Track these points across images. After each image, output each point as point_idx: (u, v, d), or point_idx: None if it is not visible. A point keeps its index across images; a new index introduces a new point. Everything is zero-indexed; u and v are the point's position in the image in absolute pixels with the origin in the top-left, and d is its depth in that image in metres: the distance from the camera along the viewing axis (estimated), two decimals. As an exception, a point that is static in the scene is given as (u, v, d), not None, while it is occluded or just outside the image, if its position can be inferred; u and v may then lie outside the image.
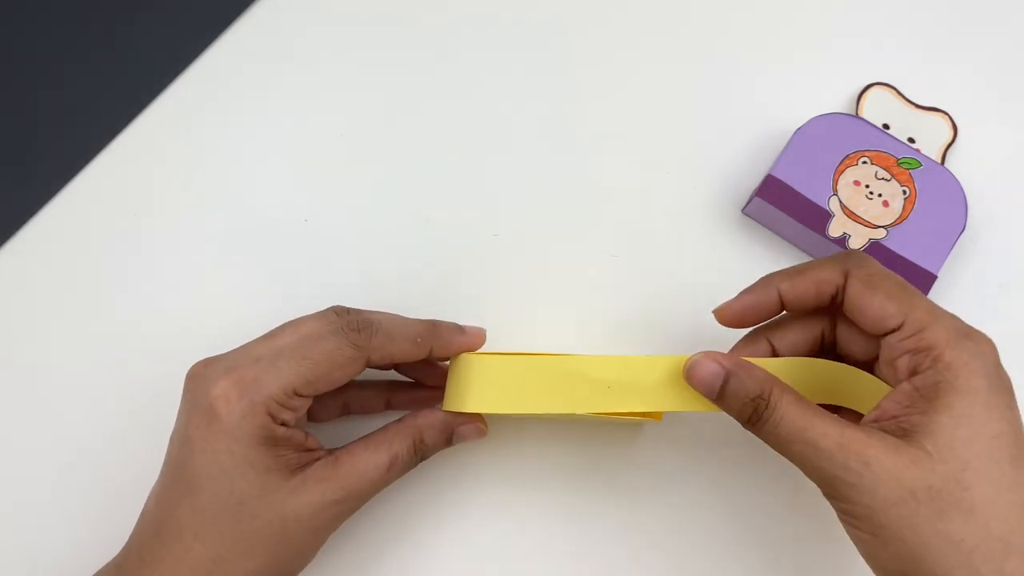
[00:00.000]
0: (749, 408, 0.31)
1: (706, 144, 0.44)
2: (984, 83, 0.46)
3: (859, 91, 0.45)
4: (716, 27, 0.47)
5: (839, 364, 0.34)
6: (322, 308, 0.34)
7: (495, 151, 0.44)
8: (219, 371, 0.31)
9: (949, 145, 0.44)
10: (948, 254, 0.40)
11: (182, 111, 0.44)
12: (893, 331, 0.31)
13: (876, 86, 0.45)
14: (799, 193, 0.40)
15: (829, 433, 0.29)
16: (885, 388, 0.32)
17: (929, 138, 0.44)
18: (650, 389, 0.33)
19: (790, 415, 0.30)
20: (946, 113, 0.45)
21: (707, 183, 0.44)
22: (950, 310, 0.42)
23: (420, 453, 0.35)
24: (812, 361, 0.33)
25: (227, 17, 0.45)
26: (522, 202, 0.43)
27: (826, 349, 0.35)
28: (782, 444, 0.30)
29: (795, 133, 0.41)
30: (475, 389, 0.34)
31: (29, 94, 0.45)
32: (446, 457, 0.38)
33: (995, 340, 0.41)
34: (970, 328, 0.31)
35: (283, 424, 0.32)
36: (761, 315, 0.35)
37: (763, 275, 0.35)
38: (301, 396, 0.32)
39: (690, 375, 0.32)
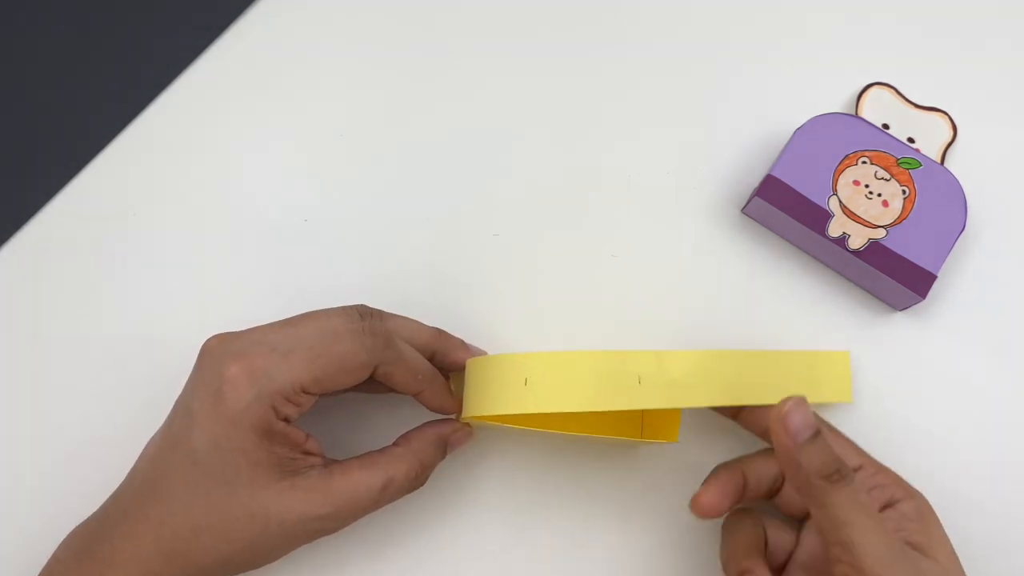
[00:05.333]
0: (835, 465, 0.31)
1: (706, 144, 0.45)
2: (984, 83, 0.46)
3: (859, 91, 0.45)
4: (716, 27, 0.47)
5: (795, 352, 0.34)
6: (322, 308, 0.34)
7: (495, 151, 0.44)
8: (233, 352, 0.31)
9: (949, 145, 0.44)
10: (948, 254, 0.40)
11: (182, 111, 0.44)
12: (856, 470, 0.34)
13: (876, 86, 0.45)
14: (799, 193, 0.40)
15: (885, 525, 0.31)
16: (843, 382, 0.35)
17: (929, 138, 0.44)
18: (681, 384, 0.33)
19: (863, 491, 0.32)
20: (946, 113, 0.45)
21: (707, 183, 0.44)
22: (949, 310, 0.42)
23: (420, 477, 0.35)
24: (765, 353, 0.34)
25: (227, 17, 0.45)
26: (522, 202, 0.43)
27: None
28: (855, 511, 0.31)
29: (795, 133, 0.42)
30: (511, 389, 0.33)
31: (29, 94, 0.45)
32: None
33: (994, 340, 0.42)
34: None
35: (285, 419, 0.32)
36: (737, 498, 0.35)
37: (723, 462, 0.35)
38: (308, 393, 0.32)
39: (788, 414, 0.32)
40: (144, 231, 0.42)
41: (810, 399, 0.33)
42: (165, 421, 0.33)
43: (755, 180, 0.43)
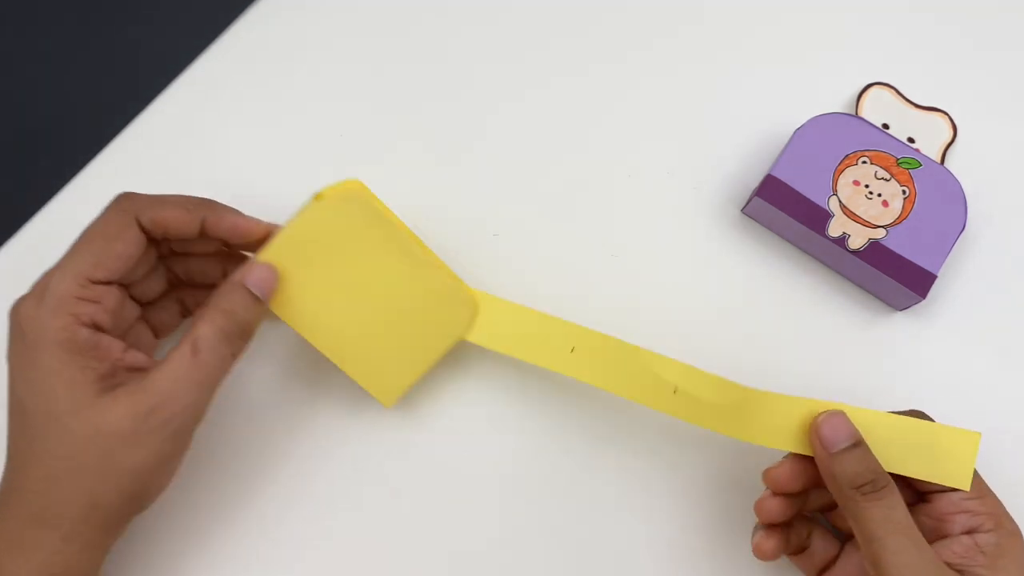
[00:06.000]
0: (868, 477, 0.32)
1: (706, 144, 0.45)
2: (984, 83, 0.46)
3: (859, 91, 0.45)
4: (716, 28, 0.47)
5: (920, 422, 0.34)
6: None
7: (494, 151, 0.44)
8: (23, 297, 0.32)
9: (949, 145, 0.44)
10: (948, 254, 0.40)
11: (182, 111, 0.44)
12: (955, 490, 0.33)
13: (876, 86, 0.45)
14: (799, 193, 0.40)
15: (927, 544, 0.31)
16: (965, 465, 0.33)
17: (929, 138, 0.44)
18: (714, 409, 0.35)
19: (903, 507, 0.32)
20: (945, 113, 0.45)
21: (707, 183, 0.44)
22: (949, 310, 0.42)
23: (235, 329, 0.32)
24: (887, 416, 0.34)
25: (227, 17, 0.45)
26: (522, 202, 0.43)
27: None
28: (887, 527, 0.31)
29: (795, 133, 0.42)
30: (559, 352, 0.37)
31: (29, 94, 0.45)
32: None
33: (994, 340, 0.42)
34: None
35: (94, 327, 0.31)
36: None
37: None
38: (98, 283, 0.31)
39: (825, 421, 0.33)
40: (144, 231, 0.42)
41: (919, 475, 0.34)
42: None
43: (755, 180, 0.43)
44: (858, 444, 0.33)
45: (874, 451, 0.33)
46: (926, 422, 0.34)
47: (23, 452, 0.30)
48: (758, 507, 0.35)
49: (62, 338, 0.30)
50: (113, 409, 0.30)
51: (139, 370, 0.32)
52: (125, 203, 0.33)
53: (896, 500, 0.32)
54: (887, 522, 0.31)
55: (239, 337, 0.33)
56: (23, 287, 0.41)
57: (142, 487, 0.31)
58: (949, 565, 0.31)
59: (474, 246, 0.42)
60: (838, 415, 0.33)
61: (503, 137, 0.44)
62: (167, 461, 0.32)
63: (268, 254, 0.34)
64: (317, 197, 0.35)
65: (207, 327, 0.32)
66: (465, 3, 0.46)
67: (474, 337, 0.37)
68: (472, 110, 0.45)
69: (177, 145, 0.44)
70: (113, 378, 0.31)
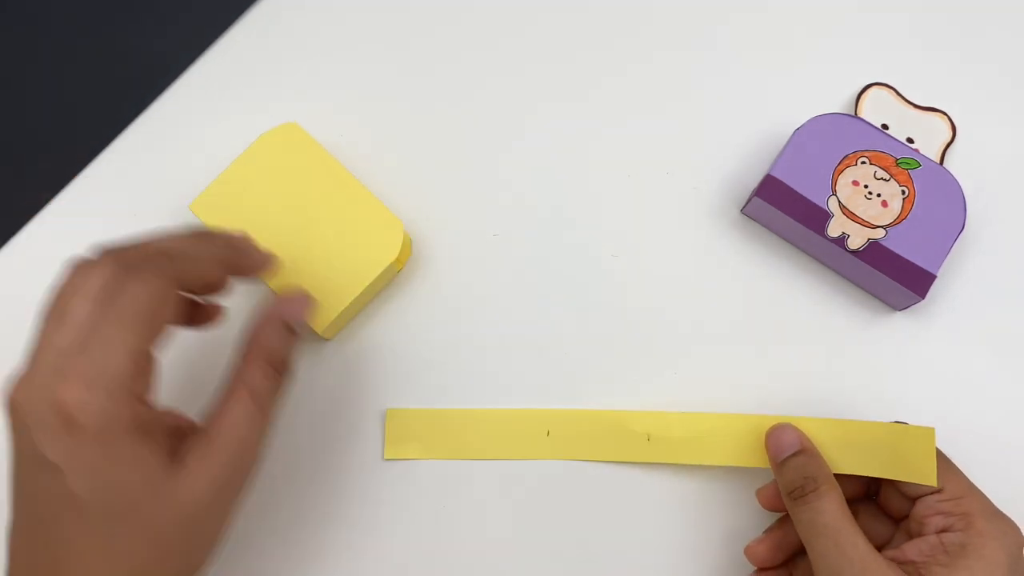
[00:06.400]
0: (799, 483, 0.33)
1: (706, 144, 0.45)
2: (983, 83, 0.46)
3: (858, 91, 0.45)
4: (716, 27, 0.47)
5: (879, 424, 0.35)
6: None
7: (495, 150, 0.44)
8: (46, 380, 0.27)
9: (948, 145, 0.44)
10: (947, 254, 0.40)
11: (183, 111, 0.44)
12: (932, 493, 0.33)
13: (875, 86, 0.45)
14: (798, 193, 0.41)
15: (858, 545, 0.31)
16: (927, 460, 0.33)
17: (928, 138, 0.44)
18: (696, 442, 0.37)
19: (832, 510, 0.32)
20: (945, 113, 0.45)
21: (707, 183, 0.44)
22: (949, 310, 0.42)
23: (278, 365, 0.31)
24: (849, 423, 0.35)
25: (227, 18, 0.45)
26: (522, 202, 0.43)
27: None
28: (812, 531, 0.32)
29: (794, 133, 0.42)
30: (536, 439, 0.39)
31: (29, 94, 0.45)
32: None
33: (993, 340, 0.42)
34: (999, 509, 0.33)
35: (142, 401, 0.28)
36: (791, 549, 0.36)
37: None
38: (150, 356, 0.28)
39: (770, 434, 0.35)
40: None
41: (887, 475, 0.34)
42: (14, 503, 0.28)
43: (755, 180, 0.43)
44: (800, 452, 0.34)
45: (839, 457, 0.35)
46: (884, 423, 0.35)
47: (86, 553, 0.26)
48: (748, 552, 0.36)
49: (132, 424, 0.27)
50: (190, 483, 0.28)
51: (178, 428, 0.30)
52: (164, 264, 0.29)
53: (825, 504, 0.32)
54: (812, 525, 0.32)
55: (285, 377, 0.31)
56: (22, 289, 0.41)
57: (211, 561, 0.29)
58: (911, 563, 0.32)
59: (474, 246, 0.43)
60: (782, 427, 0.35)
61: (502, 138, 0.44)
62: (230, 524, 0.30)
63: (215, 186, 0.38)
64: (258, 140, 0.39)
65: (260, 376, 0.30)
66: (465, 5, 0.46)
67: (464, 453, 0.39)
68: (471, 111, 0.45)
69: (177, 145, 0.44)
70: (170, 446, 0.28)
